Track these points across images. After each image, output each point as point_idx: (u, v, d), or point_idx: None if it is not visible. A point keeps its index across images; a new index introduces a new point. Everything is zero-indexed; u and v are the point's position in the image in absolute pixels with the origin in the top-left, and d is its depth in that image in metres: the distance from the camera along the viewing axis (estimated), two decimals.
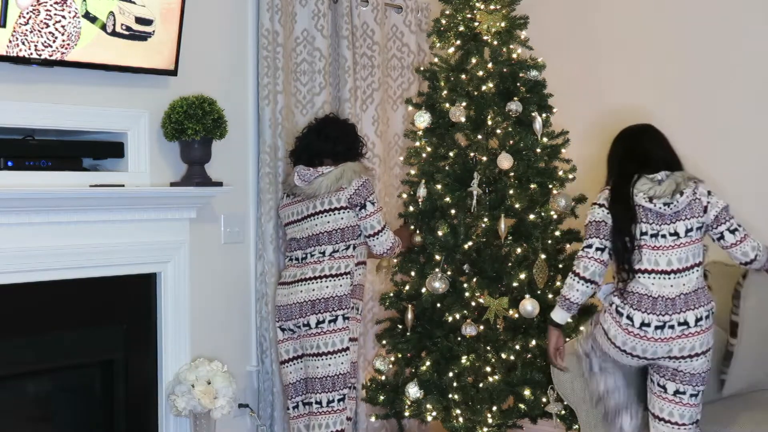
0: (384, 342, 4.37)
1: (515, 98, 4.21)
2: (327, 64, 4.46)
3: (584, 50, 4.97)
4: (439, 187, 4.20)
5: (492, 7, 4.26)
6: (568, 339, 3.97)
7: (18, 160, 3.48)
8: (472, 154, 4.25)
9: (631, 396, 3.52)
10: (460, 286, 4.17)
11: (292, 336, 3.94)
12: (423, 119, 4.30)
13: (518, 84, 4.27)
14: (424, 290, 4.17)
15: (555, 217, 4.17)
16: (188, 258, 3.99)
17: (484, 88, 4.24)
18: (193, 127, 3.76)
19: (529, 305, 4.01)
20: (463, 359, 4.09)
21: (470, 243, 4.17)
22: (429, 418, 4.21)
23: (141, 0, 3.68)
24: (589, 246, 3.39)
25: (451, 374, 4.11)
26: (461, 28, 4.30)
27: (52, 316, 3.62)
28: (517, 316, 4.08)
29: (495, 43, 4.26)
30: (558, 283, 4.10)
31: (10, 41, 3.36)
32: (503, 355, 4.09)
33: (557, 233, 4.19)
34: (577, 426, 3.92)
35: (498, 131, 4.22)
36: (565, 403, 3.88)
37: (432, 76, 4.37)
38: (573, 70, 4.90)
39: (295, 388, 3.98)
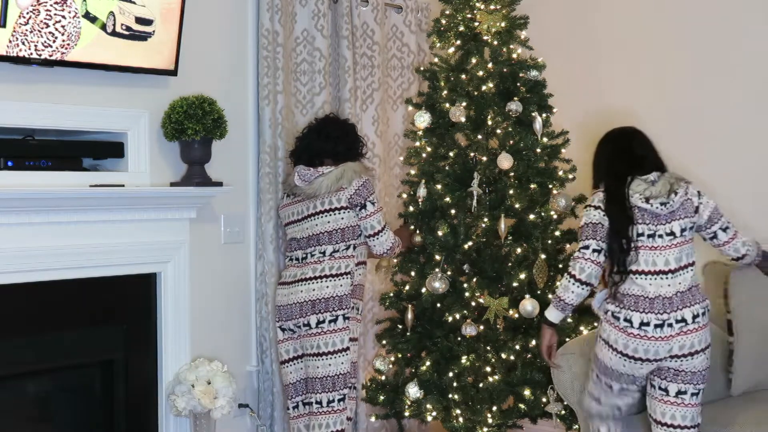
0: (384, 342, 4.37)
1: (515, 98, 4.21)
2: (327, 64, 4.46)
3: (584, 50, 4.97)
4: (439, 187, 4.20)
5: (492, 7, 4.27)
6: (567, 339, 3.98)
7: (18, 160, 3.48)
8: (472, 154, 4.25)
9: (614, 410, 3.52)
10: (460, 286, 4.17)
11: (292, 336, 3.94)
12: (423, 119, 4.30)
13: (518, 84, 4.27)
14: (424, 290, 4.17)
15: (555, 217, 4.17)
16: (188, 258, 3.99)
17: (484, 88, 4.24)
18: (193, 127, 3.76)
19: (529, 305, 4.01)
20: (463, 359, 4.09)
21: (470, 243, 4.17)
22: (429, 418, 4.21)
23: (141, 0, 3.68)
24: (586, 247, 3.37)
25: (451, 374, 4.11)
26: (461, 28, 4.30)
27: (52, 316, 3.62)
28: (517, 316, 4.08)
29: (495, 43, 4.26)
30: (558, 283, 4.09)
31: (10, 41, 3.36)
32: (503, 355, 4.09)
33: (557, 233, 4.19)
34: (577, 426, 3.92)
35: (498, 131, 4.22)
36: (565, 403, 3.88)
37: (432, 76, 4.38)
38: (573, 70, 4.90)
39: (295, 388, 3.98)
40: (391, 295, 4.34)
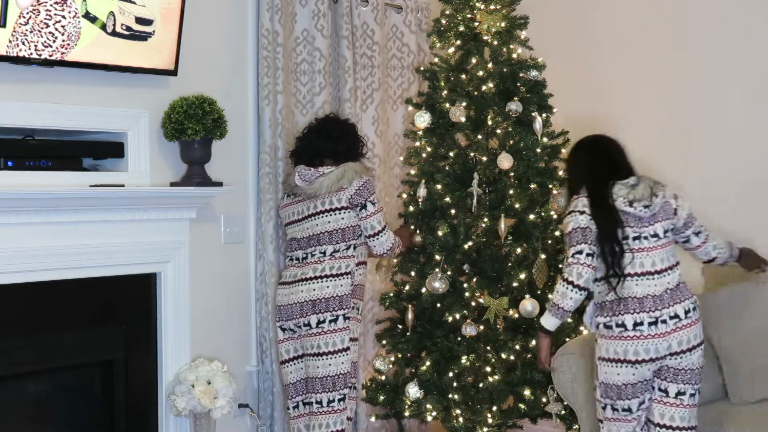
0: (384, 342, 4.37)
1: (515, 98, 4.21)
2: (327, 64, 4.46)
3: (584, 50, 4.97)
4: (439, 187, 4.20)
5: (492, 7, 4.27)
6: (567, 339, 3.98)
7: (18, 160, 3.48)
8: (472, 154, 4.25)
9: None
10: (460, 286, 4.17)
11: (292, 336, 3.94)
12: (423, 119, 4.30)
13: (518, 84, 4.27)
14: (424, 290, 4.17)
15: (555, 217, 4.17)
16: (188, 258, 3.99)
17: (484, 88, 4.24)
18: (193, 127, 3.76)
19: (529, 305, 4.01)
20: (463, 359, 4.09)
21: (470, 243, 4.17)
22: (429, 418, 4.21)
23: (141, 0, 3.68)
24: (579, 252, 3.33)
25: (451, 374, 4.11)
26: (461, 28, 4.30)
27: (52, 316, 3.62)
28: (517, 316, 4.08)
29: (495, 43, 4.26)
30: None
31: (10, 41, 3.36)
32: (503, 355, 4.09)
33: (557, 233, 4.19)
34: (577, 426, 3.92)
35: (498, 131, 4.22)
36: (565, 403, 3.88)
37: (432, 76, 4.38)
38: (573, 70, 4.89)
39: (295, 387, 3.98)
40: (391, 295, 4.34)
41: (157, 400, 3.94)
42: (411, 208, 4.30)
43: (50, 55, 3.47)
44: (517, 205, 4.11)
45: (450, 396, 4.12)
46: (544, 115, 4.23)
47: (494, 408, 4.07)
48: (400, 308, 4.33)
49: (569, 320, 4.01)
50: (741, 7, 4.48)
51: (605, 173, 3.45)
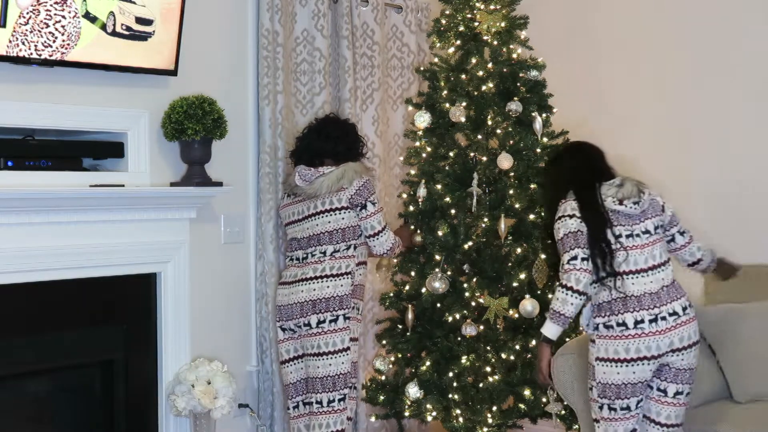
0: (384, 342, 4.37)
1: (515, 98, 4.21)
2: (327, 64, 4.46)
3: (584, 50, 4.97)
4: (439, 187, 4.20)
5: (492, 7, 4.27)
6: (567, 339, 3.98)
7: (18, 160, 3.48)
8: (472, 154, 4.25)
9: None
10: (460, 286, 4.17)
11: (292, 336, 3.94)
12: (423, 119, 4.30)
13: (518, 84, 4.27)
14: (424, 290, 4.17)
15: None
16: (188, 258, 3.99)
17: (484, 88, 4.24)
18: (193, 127, 3.76)
19: (529, 305, 4.01)
20: (463, 359, 4.09)
21: (470, 243, 4.17)
22: (429, 418, 4.21)
23: (141, 0, 3.68)
24: (575, 258, 3.31)
25: (451, 374, 4.11)
26: (461, 28, 4.30)
27: (52, 316, 3.62)
28: (517, 316, 4.08)
29: (495, 43, 4.26)
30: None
31: (10, 41, 3.36)
32: (503, 355, 4.09)
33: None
34: (577, 426, 3.92)
35: (498, 131, 4.22)
36: (565, 403, 3.88)
37: (432, 76, 4.38)
38: (573, 70, 4.89)
39: (295, 387, 3.98)
40: (391, 295, 4.34)
41: (157, 400, 3.94)
42: (411, 208, 4.30)
43: (50, 55, 3.47)
44: (517, 205, 4.11)
45: (450, 396, 4.13)
46: (544, 115, 4.23)
47: (494, 408, 4.07)
48: (400, 308, 4.33)
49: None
50: (741, 7, 4.48)
51: (590, 176, 3.46)
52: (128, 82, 3.77)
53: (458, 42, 4.32)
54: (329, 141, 3.95)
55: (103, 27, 3.59)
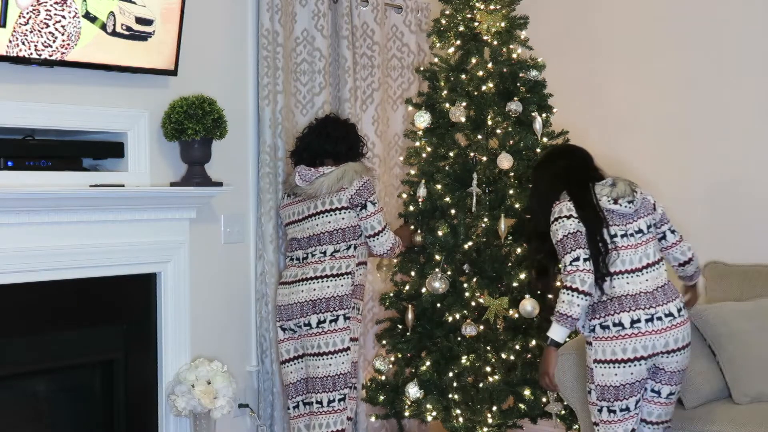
0: (384, 342, 4.37)
1: (515, 98, 4.21)
2: (327, 64, 4.46)
3: (584, 50, 4.97)
4: (439, 187, 4.20)
5: (492, 7, 4.27)
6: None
7: (18, 160, 3.48)
8: (472, 154, 4.25)
9: None
10: (460, 286, 4.17)
11: (293, 336, 3.94)
12: (423, 119, 4.30)
13: (518, 84, 4.27)
14: (424, 290, 4.17)
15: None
16: (188, 258, 3.99)
17: (484, 88, 4.24)
18: (193, 127, 3.76)
19: (529, 305, 4.01)
20: (463, 359, 4.09)
21: (470, 243, 4.17)
22: (429, 418, 4.21)
23: (141, 0, 3.68)
24: (577, 259, 3.29)
25: (451, 374, 4.11)
26: (461, 28, 4.30)
27: (52, 316, 3.62)
28: (517, 316, 4.08)
29: (495, 43, 4.26)
30: (558, 283, 4.09)
31: (10, 41, 3.36)
32: (503, 355, 4.09)
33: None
34: (577, 426, 3.92)
35: (498, 131, 4.23)
36: (565, 403, 3.88)
37: (432, 76, 4.38)
38: (573, 70, 4.90)
39: (295, 387, 3.98)
40: (391, 295, 4.35)
41: (157, 400, 3.93)
42: (411, 208, 4.30)
43: (50, 55, 3.47)
44: (517, 205, 4.11)
45: (450, 396, 4.13)
46: (544, 115, 4.23)
47: (494, 408, 4.07)
48: (400, 308, 4.33)
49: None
50: (741, 7, 4.48)
51: (584, 176, 3.47)
52: (128, 82, 3.77)
53: (458, 42, 4.32)
54: (329, 141, 3.95)
55: (103, 27, 3.59)
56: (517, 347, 4.10)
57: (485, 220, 4.14)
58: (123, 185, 3.71)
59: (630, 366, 3.29)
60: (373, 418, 4.51)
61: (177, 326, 3.96)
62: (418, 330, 4.27)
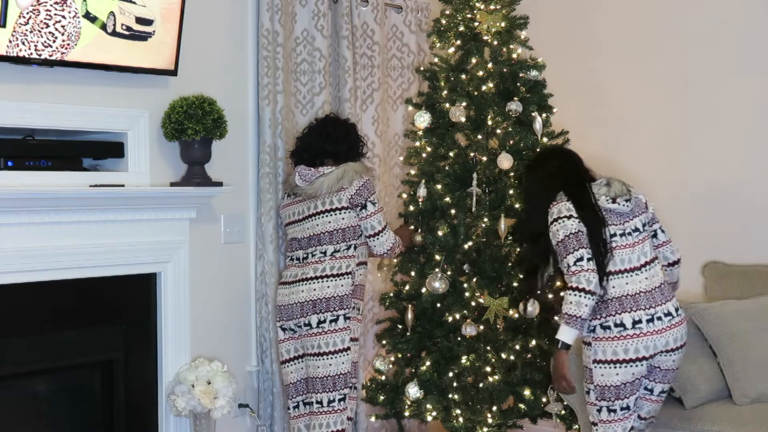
0: (384, 342, 4.37)
1: (515, 98, 4.21)
2: (327, 64, 4.46)
3: (584, 50, 4.97)
4: (439, 187, 4.20)
5: (492, 7, 4.26)
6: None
7: (18, 160, 3.48)
8: (472, 154, 4.25)
9: None
10: (460, 286, 4.17)
11: (293, 336, 3.94)
12: (423, 119, 4.30)
13: (518, 84, 4.27)
14: (424, 290, 4.17)
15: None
16: (188, 258, 3.99)
17: (484, 88, 4.24)
18: (193, 127, 3.76)
19: (529, 305, 4.00)
20: (463, 359, 4.09)
21: (470, 243, 4.17)
22: (429, 418, 4.21)
23: (141, 0, 3.68)
24: (581, 259, 3.28)
25: (451, 374, 4.11)
26: (461, 28, 4.30)
27: (52, 316, 3.62)
28: (517, 316, 4.08)
29: (495, 43, 4.26)
30: (558, 283, 4.09)
31: (10, 41, 3.36)
32: (503, 355, 4.09)
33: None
34: (577, 426, 3.92)
35: (498, 131, 4.22)
36: (565, 403, 3.88)
37: (432, 76, 4.37)
38: (573, 70, 4.90)
39: (295, 387, 3.98)
40: (391, 295, 4.34)
41: (157, 400, 3.93)
42: (411, 208, 4.30)
43: (50, 55, 3.47)
44: (517, 205, 4.11)
45: (450, 396, 4.13)
46: (544, 115, 4.23)
47: (494, 408, 4.07)
48: (400, 308, 4.33)
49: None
50: (741, 8, 4.48)
51: (579, 177, 3.48)
52: (128, 82, 3.77)
53: (458, 42, 4.32)
54: (329, 141, 3.95)
55: (103, 27, 3.59)
56: (517, 347, 4.10)
57: (485, 220, 4.14)
58: (123, 185, 3.71)
59: (631, 366, 3.29)
60: (373, 418, 4.51)
61: (177, 326, 3.96)
62: (418, 330, 4.27)
